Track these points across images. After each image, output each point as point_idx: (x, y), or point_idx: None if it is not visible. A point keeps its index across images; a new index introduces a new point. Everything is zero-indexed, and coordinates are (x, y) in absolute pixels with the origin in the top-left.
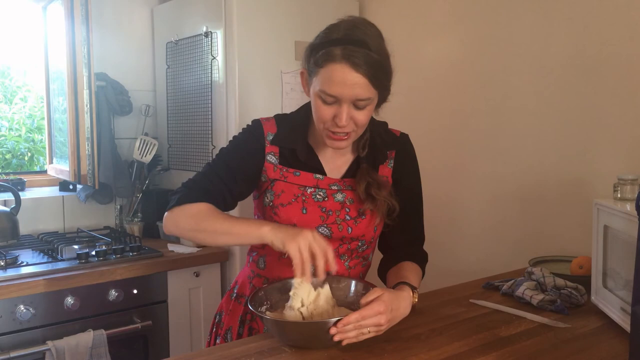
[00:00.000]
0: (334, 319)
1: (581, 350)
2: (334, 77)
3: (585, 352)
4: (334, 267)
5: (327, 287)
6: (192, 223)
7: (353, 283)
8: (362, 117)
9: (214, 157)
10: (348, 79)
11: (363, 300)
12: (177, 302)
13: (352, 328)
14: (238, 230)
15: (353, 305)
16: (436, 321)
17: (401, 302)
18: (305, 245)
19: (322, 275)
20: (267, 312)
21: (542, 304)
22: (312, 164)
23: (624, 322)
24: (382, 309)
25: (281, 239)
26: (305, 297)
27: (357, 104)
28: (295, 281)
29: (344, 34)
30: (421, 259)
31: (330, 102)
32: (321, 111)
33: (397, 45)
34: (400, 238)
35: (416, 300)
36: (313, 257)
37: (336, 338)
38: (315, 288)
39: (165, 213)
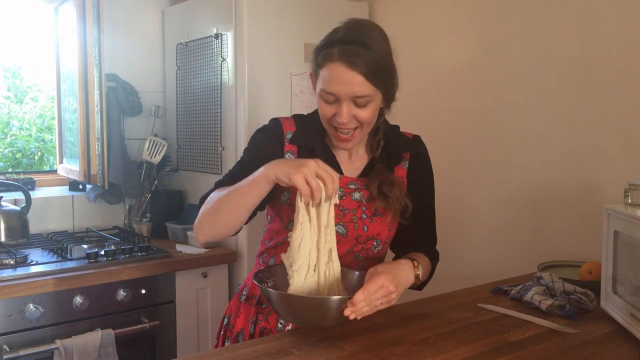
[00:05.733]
0: (337, 297)
1: (590, 356)
2: (331, 76)
3: (594, 358)
4: (336, 197)
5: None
6: (209, 208)
7: (356, 274)
8: (365, 114)
9: (223, 158)
10: (344, 78)
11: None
12: (184, 303)
13: (365, 304)
14: (244, 185)
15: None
16: (444, 325)
17: (399, 268)
18: (311, 173)
19: (332, 198)
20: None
21: (551, 309)
22: (329, 164)
23: (634, 328)
24: (383, 279)
25: (285, 173)
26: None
27: (357, 102)
28: (299, 205)
29: (343, 35)
30: (432, 256)
31: (331, 101)
32: (323, 110)
33: (407, 47)
34: (412, 237)
35: (419, 271)
36: (321, 183)
37: (351, 317)
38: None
39: None
